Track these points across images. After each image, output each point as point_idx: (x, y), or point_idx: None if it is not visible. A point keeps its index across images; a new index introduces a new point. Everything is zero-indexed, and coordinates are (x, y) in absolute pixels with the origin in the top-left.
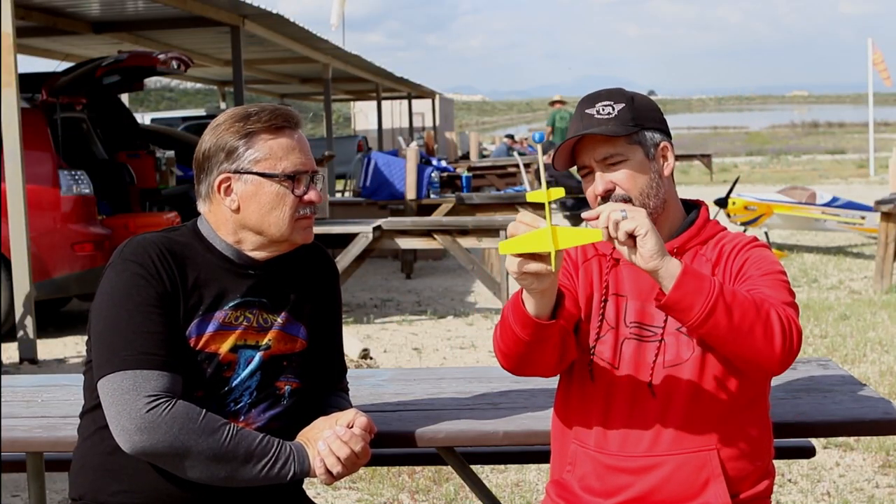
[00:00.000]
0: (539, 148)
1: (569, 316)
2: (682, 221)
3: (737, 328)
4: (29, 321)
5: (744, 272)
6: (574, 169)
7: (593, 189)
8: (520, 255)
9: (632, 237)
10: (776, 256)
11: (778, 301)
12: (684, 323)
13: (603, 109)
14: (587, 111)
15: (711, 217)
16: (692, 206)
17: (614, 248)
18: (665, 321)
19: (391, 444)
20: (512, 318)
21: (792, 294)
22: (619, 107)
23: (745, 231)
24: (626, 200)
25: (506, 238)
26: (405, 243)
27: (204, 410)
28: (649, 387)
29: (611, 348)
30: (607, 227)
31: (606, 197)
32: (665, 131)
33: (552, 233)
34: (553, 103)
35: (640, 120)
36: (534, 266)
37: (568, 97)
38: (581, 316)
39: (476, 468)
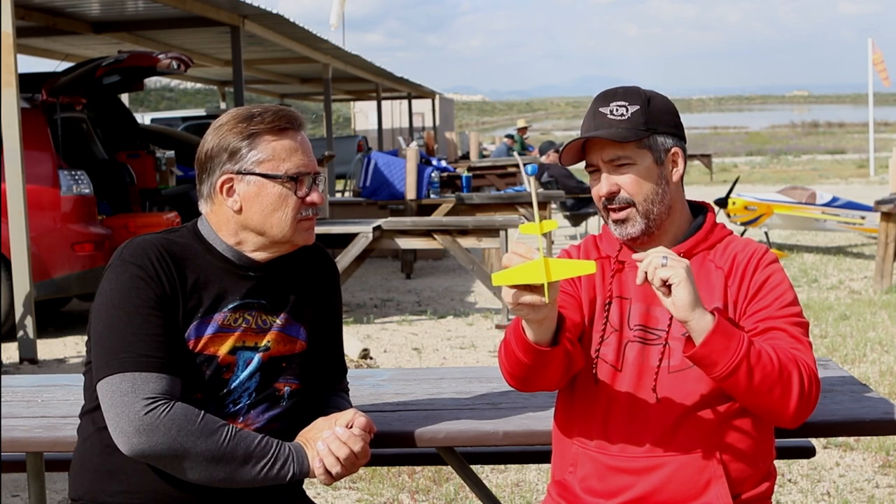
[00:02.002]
0: (532, 181)
1: (572, 327)
2: (689, 226)
3: (756, 388)
4: (29, 321)
5: (761, 299)
6: (574, 169)
7: (598, 189)
8: (514, 287)
9: (667, 285)
10: (786, 276)
11: (803, 358)
12: (707, 374)
13: (616, 110)
14: (601, 109)
15: None
16: (698, 209)
17: (619, 251)
18: (669, 325)
19: (391, 444)
20: (514, 344)
21: (806, 329)
22: (633, 108)
23: (744, 231)
24: (630, 204)
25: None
26: (405, 243)
27: (202, 412)
28: (653, 390)
29: (614, 351)
30: (647, 271)
31: (611, 198)
32: (678, 135)
33: (545, 265)
34: (520, 129)
35: (652, 124)
36: (528, 298)
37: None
38: (585, 321)
39: (476, 468)
